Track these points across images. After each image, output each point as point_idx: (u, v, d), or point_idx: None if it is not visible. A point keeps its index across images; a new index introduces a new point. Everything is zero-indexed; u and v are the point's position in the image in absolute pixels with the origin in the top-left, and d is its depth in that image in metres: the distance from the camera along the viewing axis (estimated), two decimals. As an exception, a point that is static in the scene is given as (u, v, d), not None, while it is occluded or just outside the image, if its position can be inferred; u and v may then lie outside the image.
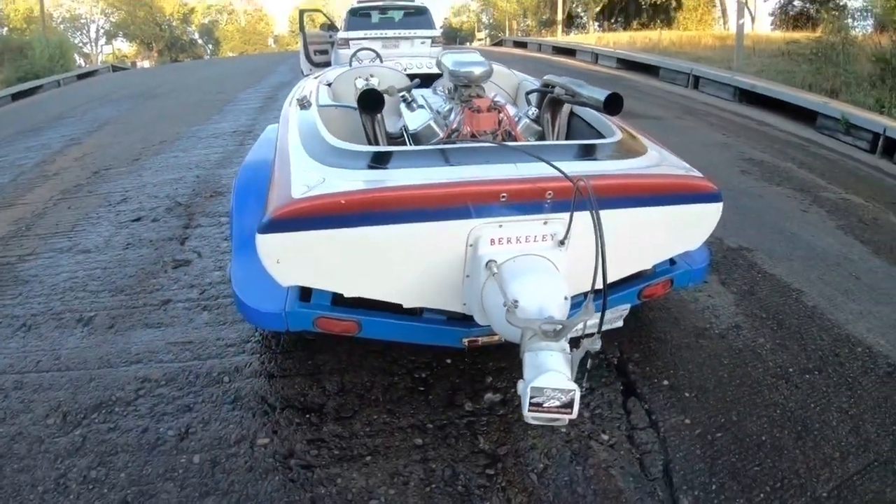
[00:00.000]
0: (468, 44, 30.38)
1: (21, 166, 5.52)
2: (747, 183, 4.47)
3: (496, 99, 2.38)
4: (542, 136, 2.52)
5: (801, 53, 9.33)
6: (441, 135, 2.36)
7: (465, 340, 1.87)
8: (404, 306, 1.77)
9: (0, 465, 1.78)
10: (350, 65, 3.92)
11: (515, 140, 2.27)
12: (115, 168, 5.20)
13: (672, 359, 2.27)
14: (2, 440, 1.89)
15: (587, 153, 1.94)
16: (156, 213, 3.93)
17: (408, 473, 1.74)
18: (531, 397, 1.26)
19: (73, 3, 33.13)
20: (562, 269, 1.62)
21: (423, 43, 8.46)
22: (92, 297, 2.82)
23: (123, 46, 37.14)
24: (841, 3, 13.74)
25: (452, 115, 2.37)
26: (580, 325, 1.39)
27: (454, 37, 35.93)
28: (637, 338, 2.38)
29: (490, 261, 1.58)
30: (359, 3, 9.05)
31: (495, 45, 21.49)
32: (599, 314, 1.36)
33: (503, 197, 1.59)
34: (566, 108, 2.60)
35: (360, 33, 8.09)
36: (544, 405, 1.26)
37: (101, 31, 35.21)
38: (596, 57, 12.82)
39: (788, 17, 17.89)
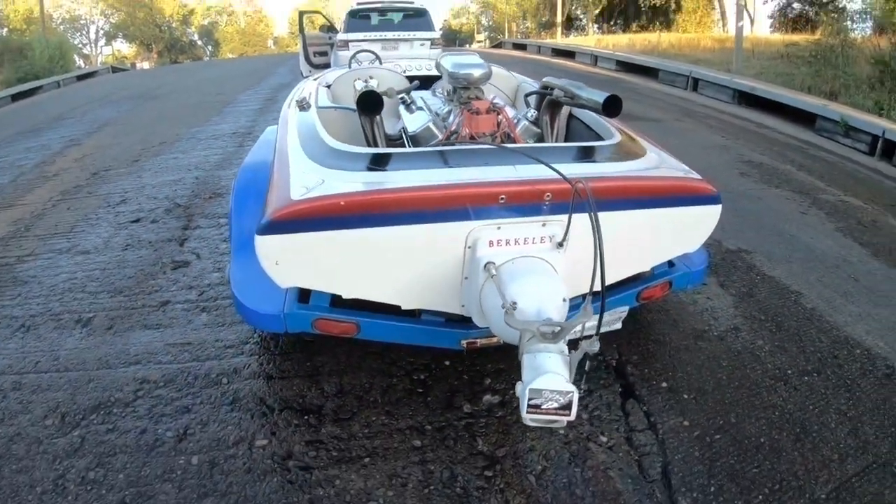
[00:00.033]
0: (467, 46, 30.36)
1: (21, 167, 5.52)
2: (746, 185, 4.47)
3: (495, 101, 2.38)
4: (540, 139, 2.53)
5: (800, 56, 9.34)
6: (440, 137, 2.36)
7: (464, 342, 1.87)
8: (403, 308, 1.77)
9: (-2, 466, 1.78)
10: (349, 66, 3.92)
11: (514, 142, 2.27)
12: (115, 169, 5.20)
13: (671, 361, 2.27)
14: (0, 441, 1.88)
15: (586, 155, 1.95)
16: (155, 215, 3.93)
17: (406, 475, 1.73)
18: (530, 399, 1.26)
19: (72, 4, 33.15)
20: (560, 270, 1.62)
21: (422, 45, 8.45)
22: (91, 298, 2.82)
23: (123, 48, 37.21)
24: (840, 6, 13.76)
25: (451, 117, 2.37)
26: (579, 327, 1.39)
27: (454, 39, 35.96)
28: (636, 340, 2.38)
29: (489, 262, 1.58)
30: (358, 4, 9.06)
31: (494, 47, 21.50)
32: (598, 316, 1.36)
33: (502, 199, 1.59)
34: (565, 110, 2.60)
35: (360, 35, 8.09)
36: (543, 407, 1.27)
37: (101, 32, 35.24)
38: (595, 59, 12.82)
39: (787, 20, 17.89)
